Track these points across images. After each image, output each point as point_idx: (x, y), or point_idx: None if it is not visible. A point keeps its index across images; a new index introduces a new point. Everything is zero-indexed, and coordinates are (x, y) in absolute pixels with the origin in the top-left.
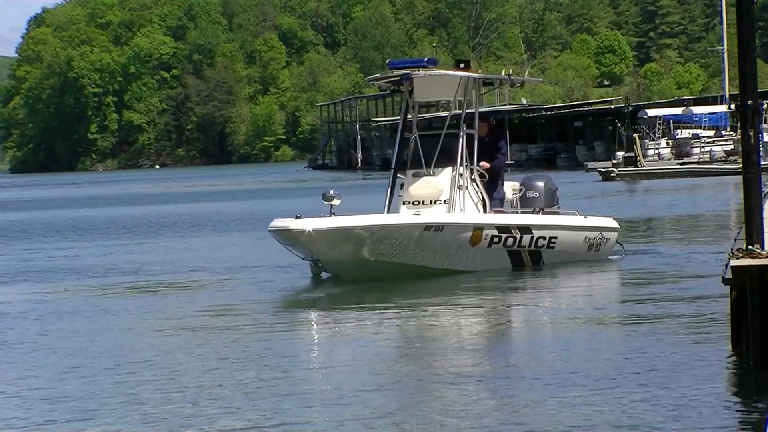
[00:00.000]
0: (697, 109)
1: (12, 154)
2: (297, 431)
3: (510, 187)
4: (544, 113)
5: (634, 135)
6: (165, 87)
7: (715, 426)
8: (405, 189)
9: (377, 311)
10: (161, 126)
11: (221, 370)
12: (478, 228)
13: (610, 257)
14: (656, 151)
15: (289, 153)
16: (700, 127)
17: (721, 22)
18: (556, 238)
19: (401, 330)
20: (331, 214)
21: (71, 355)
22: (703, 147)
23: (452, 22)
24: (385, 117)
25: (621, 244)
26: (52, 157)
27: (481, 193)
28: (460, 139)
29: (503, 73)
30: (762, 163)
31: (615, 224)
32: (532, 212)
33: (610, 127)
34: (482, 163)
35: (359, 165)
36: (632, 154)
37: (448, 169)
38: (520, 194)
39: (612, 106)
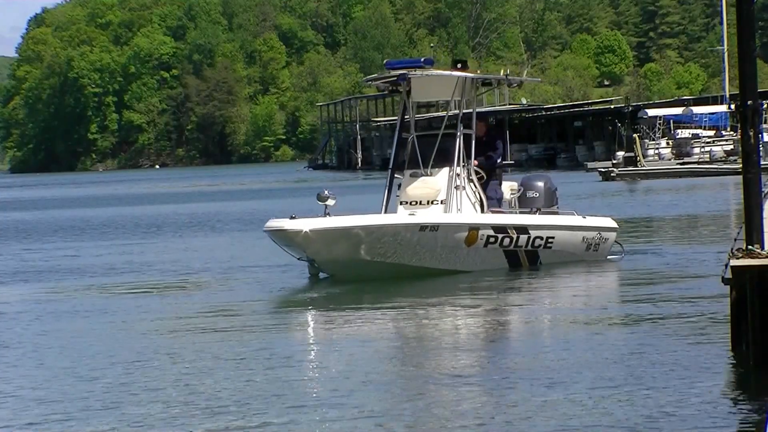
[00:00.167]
0: (697, 109)
1: (12, 154)
2: (292, 430)
3: (508, 187)
4: (544, 113)
5: (634, 135)
6: (165, 87)
7: (715, 426)
8: (402, 189)
9: (374, 311)
10: (161, 126)
11: (218, 370)
12: (474, 228)
13: (609, 257)
14: (656, 151)
15: (289, 153)
16: (700, 127)
17: (721, 22)
18: (553, 238)
19: (398, 330)
20: (326, 214)
21: (69, 355)
22: (703, 147)
23: (452, 22)
24: (385, 117)
25: (620, 244)
26: (52, 157)
27: (478, 193)
28: (457, 139)
29: (502, 73)
30: (762, 163)
31: (614, 224)
32: (530, 212)
33: (610, 127)
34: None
35: (359, 165)
36: (632, 154)
37: (445, 170)
38: (520, 194)
39: (612, 106)
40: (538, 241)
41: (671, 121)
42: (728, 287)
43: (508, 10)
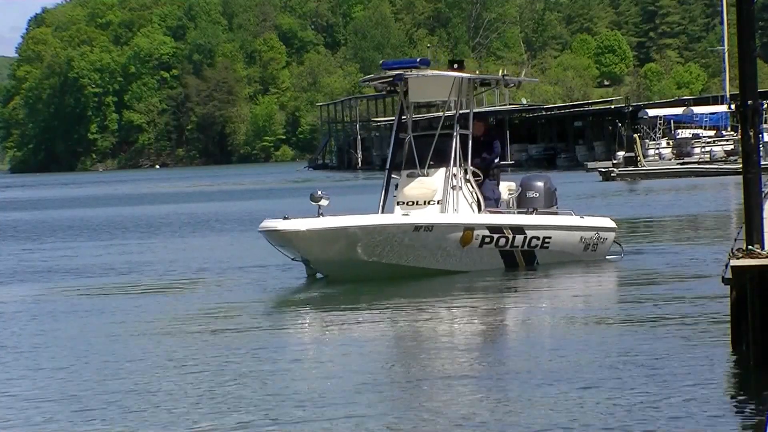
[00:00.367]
0: (697, 109)
1: (12, 154)
2: (288, 430)
3: (506, 188)
4: (544, 113)
5: (634, 135)
6: (165, 87)
7: (716, 426)
8: (399, 189)
9: (371, 312)
10: (161, 126)
11: (215, 370)
12: (469, 228)
13: (607, 257)
14: (657, 151)
15: (289, 153)
16: (700, 127)
17: (721, 22)
18: (550, 238)
19: (395, 330)
20: (320, 214)
21: (66, 355)
22: (703, 147)
23: (452, 22)
24: (385, 117)
25: (620, 244)
26: (52, 157)
27: (475, 193)
28: (454, 140)
29: (500, 73)
30: (762, 163)
31: (612, 224)
32: (526, 212)
33: (611, 127)
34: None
35: (359, 165)
36: (632, 154)
37: (442, 170)
38: (519, 194)
39: (612, 106)
40: (534, 242)
41: (672, 121)
42: (728, 287)
43: (508, 10)
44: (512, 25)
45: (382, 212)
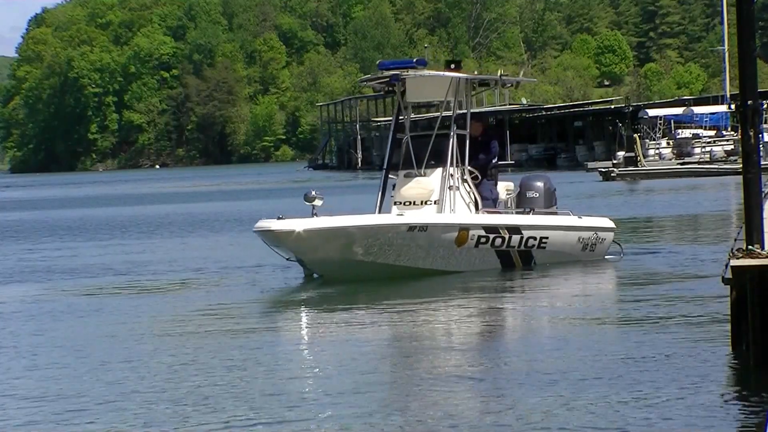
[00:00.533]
0: (698, 109)
1: (12, 154)
2: (285, 430)
3: (504, 188)
4: (544, 113)
5: (635, 135)
6: (165, 87)
7: (716, 426)
8: (396, 190)
9: (368, 312)
10: (161, 126)
11: (211, 370)
12: (464, 228)
13: (606, 257)
14: (657, 151)
15: (289, 153)
16: (701, 127)
17: (722, 22)
18: (547, 238)
19: (392, 330)
20: (313, 214)
21: (62, 355)
22: (703, 147)
23: (452, 22)
24: (385, 117)
25: (619, 244)
26: (52, 157)
27: (472, 193)
28: (451, 140)
29: (499, 74)
30: (762, 163)
31: (611, 224)
32: (523, 212)
33: (611, 127)
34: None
35: (359, 165)
36: (632, 154)
37: (439, 170)
38: (518, 194)
39: (612, 106)
40: (531, 242)
41: (672, 121)
42: (728, 287)
43: (508, 10)
44: (512, 25)
45: (380, 212)
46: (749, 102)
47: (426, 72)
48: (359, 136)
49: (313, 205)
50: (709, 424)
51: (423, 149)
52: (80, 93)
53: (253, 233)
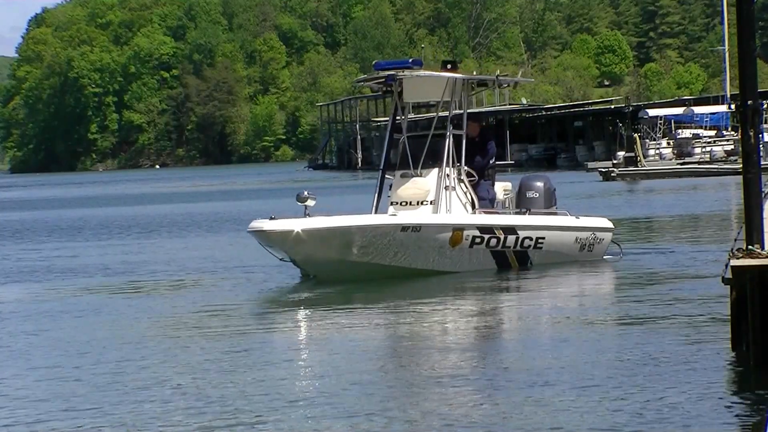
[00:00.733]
0: (698, 109)
1: (12, 154)
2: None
3: (501, 188)
4: (544, 113)
5: (635, 135)
6: (165, 87)
7: (715, 426)
8: (393, 190)
9: (365, 312)
10: (161, 126)
11: (207, 370)
12: (458, 229)
13: (605, 257)
14: (657, 151)
15: (289, 153)
16: (701, 127)
17: (722, 22)
18: (543, 238)
19: (389, 330)
20: (306, 215)
21: (59, 354)
22: (704, 147)
23: (452, 22)
24: (385, 117)
25: (618, 245)
26: (52, 157)
27: (469, 193)
28: (447, 140)
29: (495, 74)
30: (762, 163)
31: (609, 224)
32: (519, 213)
33: (611, 127)
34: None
35: (359, 165)
36: (633, 154)
37: (435, 170)
38: (518, 194)
39: (612, 106)
40: (527, 242)
41: (672, 121)
42: (728, 287)
43: (508, 10)
44: (512, 25)
45: (376, 212)
46: (749, 102)
47: (422, 72)
48: (359, 136)
49: (306, 206)
50: (709, 424)
51: (420, 149)
52: (80, 93)
53: (247, 233)
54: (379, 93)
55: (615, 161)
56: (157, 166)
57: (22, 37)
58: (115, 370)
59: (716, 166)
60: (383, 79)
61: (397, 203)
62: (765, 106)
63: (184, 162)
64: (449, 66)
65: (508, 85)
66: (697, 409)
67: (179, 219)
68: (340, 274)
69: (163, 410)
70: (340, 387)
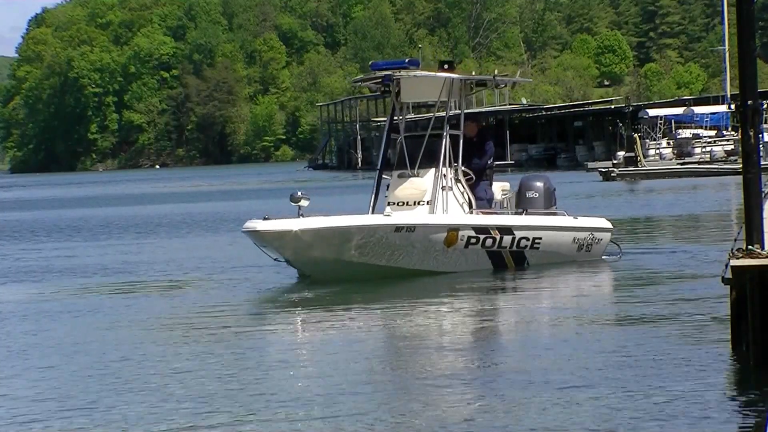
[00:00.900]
0: (698, 109)
1: (12, 154)
2: (278, 430)
3: (499, 188)
4: (544, 113)
5: (635, 135)
6: (165, 87)
7: (715, 426)
8: (390, 190)
9: (362, 312)
10: (161, 126)
11: (204, 370)
12: (453, 229)
13: (604, 258)
14: (657, 151)
15: (289, 153)
16: (701, 127)
17: (722, 22)
18: (540, 239)
19: (386, 331)
20: (300, 215)
21: (55, 354)
22: (704, 147)
23: (452, 22)
24: (385, 117)
25: (617, 245)
26: (52, 157)
27: (466, 194)
28: (444, 140)
29: (493, 74)
30: (762, 163)
31: (607, 225)
32: (515, 213)
33: (611, 127)
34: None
35: (359, 165)
36: (633, 154)
37: (432, 170)
38: (518, 194)
39: (612, 106)
40: (523, 242)
41: (672, 121)
42: (728, 287)
43: (508, 10)
44: (512, 25)
45: (373, 212)
46: (749, 102)
47: (419, 72)
48: (359, 136)
49: (299, 206)
50: (709, 424)
51: (417, 149)
52: (80, 93)
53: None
54: (378, 93)
55: (615, 161)
56: (157, 166)
57: (22, 37)
58: (113, 370)
59: (716, 166)
60: (380, 80)
61: (394, 203)
62: (765, 106)
63: (184, 162)
64: (446, 66)
65: (506, 85)
66: (697, 409)
67: (178, 219)
68: (335, 274)
69: (160, 410)
70: (337, 387)
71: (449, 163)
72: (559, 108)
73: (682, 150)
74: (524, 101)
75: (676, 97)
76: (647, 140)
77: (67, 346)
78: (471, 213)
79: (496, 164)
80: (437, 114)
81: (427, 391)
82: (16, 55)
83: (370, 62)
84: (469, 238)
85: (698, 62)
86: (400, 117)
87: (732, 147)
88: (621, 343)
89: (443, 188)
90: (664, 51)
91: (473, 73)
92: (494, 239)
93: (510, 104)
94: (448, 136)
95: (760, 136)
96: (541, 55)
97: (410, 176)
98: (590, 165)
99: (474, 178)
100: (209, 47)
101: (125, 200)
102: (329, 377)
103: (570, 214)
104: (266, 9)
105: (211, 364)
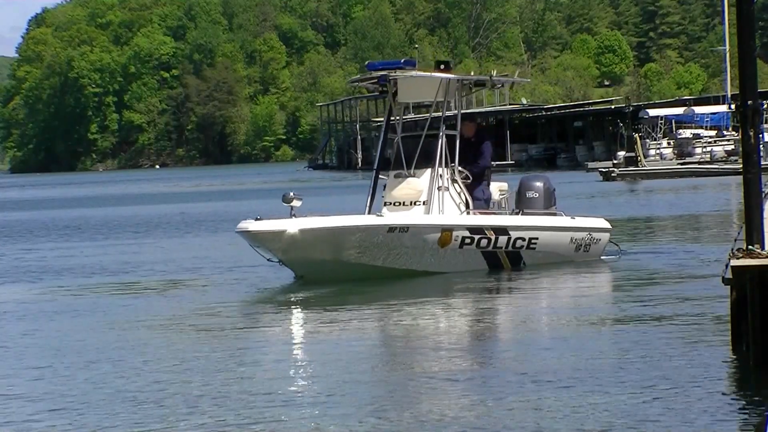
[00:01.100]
0: (699, 109)
1: (12, 154)
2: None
3: (497, 188)
4: (544, 113)
5: (635, 135)
6: (165, 87)
7: (715, 426)
8: (387, 190)
9: (359, 312)
10: (161, 126)
11: (200, 370)
12: (447, 229)
13: (602, 258)
14: (658, 151)
15: (289, 153)
16: (701, 127)
17: (722, 22)
18: (536, 239)
19: (383, 331)
20: (292, 215)
21: (52, 354)
22: (704, 147)
23: (452, 22)
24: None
25: (617, 245)
26: (52, 157)
27: (463, 194)
28: (440, 140)
29: (490, 74)
30: (762, 163)
31: (606, 225)
32: (511, 213)
33: (611, 127)
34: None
35: (359, 165)
36: (633, 154)
37: (428, 171)
38: (517, 194)
39: (612, 106)
40: (519, 242)
41: (673, 121)
42: (728, 287)
43: (508, 10)
44: (512, 25)
45: (369, 213)
46: (749, 102)
47: (414, 73)
48: (359, 136)
49: (292, 206)
50: (709, 424)
51: (413, 150)
52: (80, 93)
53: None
54: (377, 93)
55: (615, 161)
56: (157, 166)
57: (22, 37)
58: (110, 370)
59: (716, 166)
60: (376, 80)
61: (390, 204)
62: (765, 106)
63: (184, 162)
64: (442, 66)
65: (502, 86)
66: (697, 409)
67: (178, 219)
68: (331, 275)
69: (156, 410)
70: (333, 387)
71: (446, 163)
72: (559, 108)
73: (682, 150)
74: (524, 101)
75: (677, 97)
76: (647, 140)
77: (64, 345)
78: (468, 213)
79: (496, 164)
80: (434, 114)
81: (424, 392)
82: (16, 55)
83: (366, 62)
84: (464, 238)
85: (698, 62)
86: (397, 117)
87: (732, 147)
88: (620, 343)
89: (439, 188)
90: (664, 51)
91: (472, 73)
92: (489, 239)
93: (510, 104)
94: (444, 137)
95: (760, 136)
96: (541, 55)
97: (407, 176)
98: (590, 165)
99: (471, 178)
100: (209, 47)
101: (125, 200)
102: (326, 377)
103: (567, 215)
104: (266, 9)
105: (208, 363)
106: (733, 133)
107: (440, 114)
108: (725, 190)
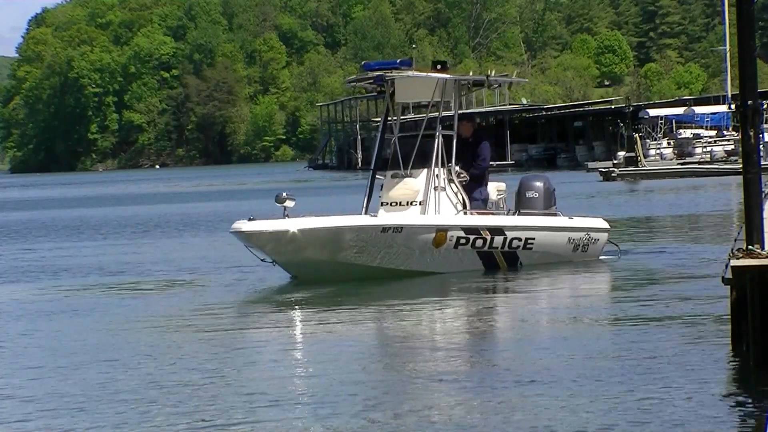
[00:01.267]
0: (699, 109)
1: (12, 154)
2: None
3: (495, 188)
4: (544, 113)
5: (635, 135)
6: (165, 87)
7: (716, 426)
8: (384, 190)
9: (357, 312)
10: (161, 126)
11: (198, 370)
12: (442, 230)
13: (601, 258)
14: (658, 151)
15: (289, 153)
16: (702, 127)
17: (723, 22)
18: (533, 239)
19: (380, 331)
20: (285, 216)
21: (49, 354)
22: (704, 147)
23: (452, 22)
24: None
25: (616, 245)
26: (52, 157)
27: (460, 194)
28: (436, 140)
29: (487, 74)
30: (762, 163)
31: (604, 225)
32: (506, 213)
33: (611, 127)
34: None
35: (359, 165)
36: (633, 154)
37: (426, 171)
38: (517, 194)
39: (612, 106)
40: (516, 243)
41: (673, 121)
42: (728, 287)
43: (508, 10)
44: (512, 25)
45: (366, 213)
46: (749, 102)
47: (411, 73)
48: (359, 136)
49: (285, 207)
50: (710, 424)
51: (410, 150)
52: (80, 93)
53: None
54: (376, 93)
55: (615, 161)
56: (157, 166)
57: (22, 37)
58: (108, 370)
59: (717, 166)
60: (372, 80)
61: (387, 204)
62: (765, 106)
63: (184, 162)
64: (439, 66)
65: (500, 86)
66: (697, 409)
67: (177, 219)
68: (326, 275)
69: (154, 410)
70: (330, 387)
71: (442, 163)
72: (559, 108)
73: (682, 150)
74: (524, 101)
75: (677, 97)
76: (648, 140)
77: (62, 345)
78: (465, 213)
79: (496, 164)
80: (431, 114)
81: (421, 392)
82: (16, 55)
83: (362, 62)
84: (459, 238)
85: (698, 62)
86: (395, 117)
87: (732, 147)
88: (620, 343)
89: (436, 188)
90: (664, 51)
91: (471, 73)
92: (485, 240)
93: (510, 104)
94: (441, 137)
95: (760, 136)
96: (541, 55)
97: (403, 176)
98: (590, 165)
99: (468, 178)
100: (209, 47)
101: (125, 200)
102: (323, 377)
103: (565, 215)
104: (266, 9)
105: (205, 364)
106: (733, 133)
107: (436, 114)
108: (725, 190)
